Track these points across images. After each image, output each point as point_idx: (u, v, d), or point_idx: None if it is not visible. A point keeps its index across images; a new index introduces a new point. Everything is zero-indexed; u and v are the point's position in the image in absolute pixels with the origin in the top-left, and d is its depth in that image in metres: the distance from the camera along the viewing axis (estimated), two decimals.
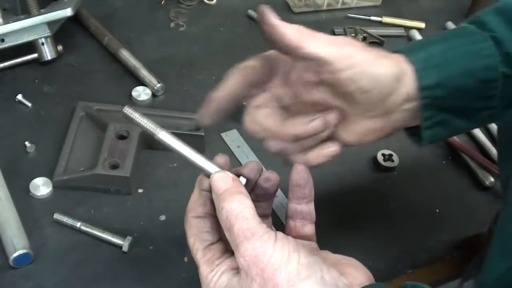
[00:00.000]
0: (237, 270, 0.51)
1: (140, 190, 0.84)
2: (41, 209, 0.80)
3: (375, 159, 0.91)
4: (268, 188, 0.57)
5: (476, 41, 0.58)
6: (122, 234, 0.77)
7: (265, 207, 0.58)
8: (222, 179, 0.52)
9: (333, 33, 1.13)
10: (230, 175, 0.53)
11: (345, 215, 0.85)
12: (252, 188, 0.56)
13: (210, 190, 0.54)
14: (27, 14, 0.94)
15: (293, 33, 0.54)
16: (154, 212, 0.82)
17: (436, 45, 0.59)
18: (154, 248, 0.78)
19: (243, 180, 0.54)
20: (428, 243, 0.82)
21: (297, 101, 0.59)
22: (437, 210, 0.87)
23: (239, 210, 0.50)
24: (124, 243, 0.76)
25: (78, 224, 0.78)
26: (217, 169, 0.54)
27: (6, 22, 0.92)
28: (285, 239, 0.50)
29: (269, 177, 0.56)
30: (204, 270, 0.52)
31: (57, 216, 0.78)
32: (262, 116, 0.60)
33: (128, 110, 0.52)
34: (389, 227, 0.84)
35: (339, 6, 1.19)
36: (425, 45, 0.60)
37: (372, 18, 1.18)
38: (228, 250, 0.54)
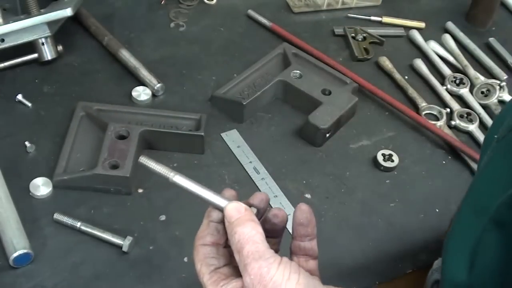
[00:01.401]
0: None
1: (140, 190, 0.84)
2: (41, 209, 0.80)
3: (375, 159, 0.91)
4: (277, 224, 0.59)
5: None
6: (122, 234, 0.77)
7: (274, 242, 0.61)
8: (235, 208, 0.56)
9: (333, 33, 1.14)
10: (242, 205, 0.56)
11: (345, 215, 0.85)
12: (261, 219, 0.59)
13: (218, 221, 0.58)
14: (27, 14, 0.94)
15: None
16: (154, 212, 0.82)
17: None
18: (154, 248, 0.78)
19: (253, 210, 0.58)
20: (428, 243, 0.82)
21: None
22: (437, 210, 0.87)
23: (250, 234, 0.54)
24: (124, 243, 0.76)
25: (78, 224, 0.78)
26: (228, 202, 0.58)
27: (6, 22, 0.92)
28: (289, 262, 0.53)
29: (277, 214, 0.59)
30: None
31: (57, 216, 0.78)
32: None
33: (144, 160, 0.59)
34: (389, 227, 0.84)
35: (339, 6, 1.19)
36: None
37: (372, 18, 1.18)
38: (233, 274, 0.57)
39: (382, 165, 0.90)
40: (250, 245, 0.53)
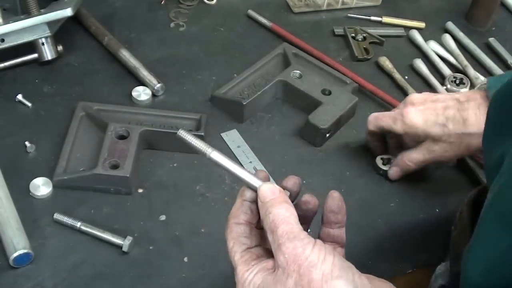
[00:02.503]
0: (272, 270, 0.54)
1: (140, 190, 0.84)
2: (41, 209, 0.80)
3: (374, 163, 0.90)
4: (307, 210, 0.60)
5: None
6: (122, 234, 0.77)
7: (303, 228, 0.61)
8: (270, 189, 0.56)
9: (333, 33, 1.13)
10: (277, 186, 0.57)
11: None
12: (293, 202, 0.59)
13: (252, 201, 0.58)
14: (27, 14, 0.94)
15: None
16: (154, 212, 0.82)
17: None
18: (154, 248, 0.78)
19: (287, 192, 0.58)
20: (428, 243, 0.82)
21: None
22: (437, 210, 0.87)
23: (285, 215, 0.54)
24: (124, 243, 0.76)
25: (78, 224, 0.78)
26: (263, 182, 0.58)
27: (6, 22, 0.92)
28: (323, 244, 0.54)
29: (309, 200, 0.60)
30: (241, 269, 0.56)
31: (57, 216, 0.78)
32: None
33: (182, 133, 0.59)
34: (389, 227, 0.84)
35: (339, 6, 1.19)
36: (503, 78, 0.73)
37: (372, 18, 1.18)
38: (264, 255, 0.57)
39: (381, 169, 0.89)
40: (284, 225, 0.53)
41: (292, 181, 0.60)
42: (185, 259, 0.77)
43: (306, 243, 0.52)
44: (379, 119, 0.87)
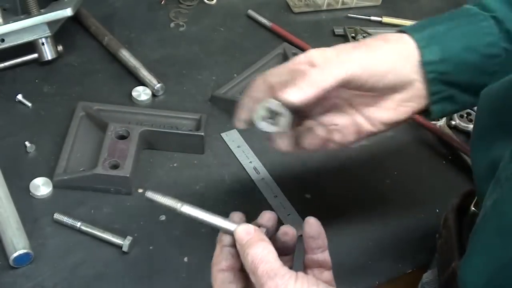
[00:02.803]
0: None
1: (140, 190, 0.84)
2: (41, 209, 0.80)
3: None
4: (287, 242, 0.60)
5: (478, 20, 0.65)
6: (122, 234, 0.77)
7: (287, 260, 0.61)
8: (244, 230, 0.56)
9: (333, 33, 1.14)
10: (251, 226, 0.57)
11: (345, 215, 0.85)
12: (271, 238, 0.60)
13: (231, 245, 0.58)
14: (27, 14, 0.94)
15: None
16: (154, 212, 0.82)
17: (439, 25, 0.65)
18: (154, 248, 0.78)
19: (262, 229, 0.58)
20: (428, 243, 0.82)
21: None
22: (437, 210, 0.87)
23: (263, 254, 0.54)
24: (124, 243, 0.76)
25: (78, 224, 0.78)
26: (237, 225, 0.58)
27: (6, 22, 0.92)
28: (305, 276, 0.53)
29: (287, 232, 0.59)
30: None
31: (57, 216, 0.78)
32: None
33: (150, 195, 0.60)
34: (389, 227, 0.84)
35: (339, 6, 1.19)
36: (428, 25, 0.66)
37: (372, 18, 1.18)
38: None
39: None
40: (263, 265, 0.53)
41: (267, 217, 0.60)
42: (185, 259, 0.77)
43: (287, 279, 0.52)
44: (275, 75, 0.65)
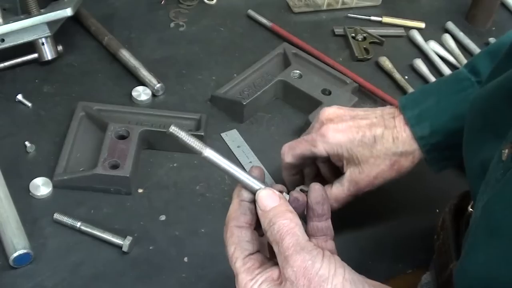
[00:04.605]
0: (278, 281, 0.53)
1: (140, 190, 0.84)
2: (41, 209, 0.80)
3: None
4: (297, 208, 0.58)
5: (464, 87, 0.73)
6: (122, 234, 0.77)
7: None
8: (269, 197, 0.55)
9: (333, 33, 1.14)
10: (276, 192, 0.56)
11: (345, 215, 0.85)
12: None
13: (250, 201, 0.57)
14: (27, 14, 0.94)
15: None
16: (154, 212, 0.82)
17: (429, 98, 0.74)
18: (154, 248, 0.78)
19: (286, 196, 0.57)
20: (428, 243, 0.82)
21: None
22: (437, 210, 0.87)
23: (290, 226, 0.53)
24: (124, 243, 0.76)
25: (78, 224, 0.78)
26: (261, 185, 0.56)
27: (6, 22, 0.92)
28: (332, 256, 0.53)
29: (298, 197, 0.58)
30: (244, 278, 0.54)
31: (57, 216, 0.78)
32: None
33: (174, 129, 0.55)
34: (389, 227, 0.84)
35: (339, 6, 1.19)
36: (419, 100, 0.74)
37: (372, 18, 1.18)
38: (265, 262, 0.56)
39: None
40: (290, 237, 0.52)
41: (280, 186, 0.59)
42: (185, 259, 0.77)
43: (315, 255, 0.51)
44: (295, 148, 0.77)
